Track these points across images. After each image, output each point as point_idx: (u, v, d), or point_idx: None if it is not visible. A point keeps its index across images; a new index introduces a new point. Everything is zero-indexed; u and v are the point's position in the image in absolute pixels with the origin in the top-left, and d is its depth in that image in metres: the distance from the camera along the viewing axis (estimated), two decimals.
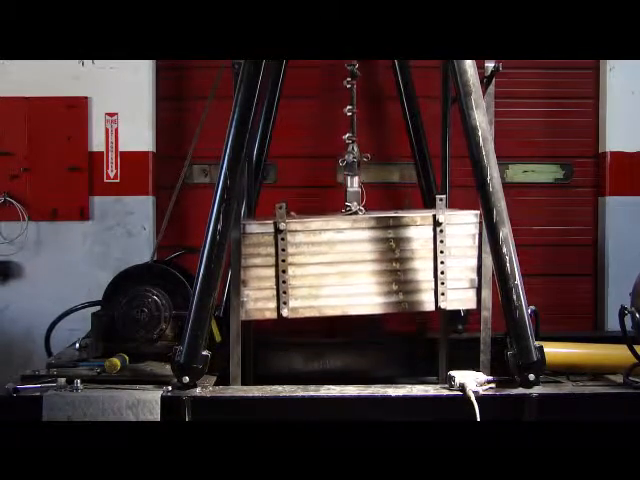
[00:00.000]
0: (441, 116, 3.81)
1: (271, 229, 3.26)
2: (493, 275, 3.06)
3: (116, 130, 4.68)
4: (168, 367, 3.02)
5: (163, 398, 2.81)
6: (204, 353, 2.96)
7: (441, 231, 3.30)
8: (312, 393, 2.91)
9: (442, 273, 3.28)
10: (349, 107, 3.50)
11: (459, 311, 4.30)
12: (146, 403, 2.77)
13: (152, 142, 4.77)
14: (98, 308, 3.49)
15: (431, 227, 3.31)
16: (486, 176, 2.91)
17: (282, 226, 3.24)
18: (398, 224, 3.31)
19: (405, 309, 3.33)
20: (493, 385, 2.92)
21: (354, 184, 3.49)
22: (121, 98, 4.68)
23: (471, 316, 4.23)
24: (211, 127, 3.96)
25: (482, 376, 2.94)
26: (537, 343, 2.90)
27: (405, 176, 4.90)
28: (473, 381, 2.86)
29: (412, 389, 2.98)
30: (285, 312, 3.26)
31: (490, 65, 3.21)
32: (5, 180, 4.63)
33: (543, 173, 5.01)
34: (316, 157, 4.85)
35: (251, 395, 2.92)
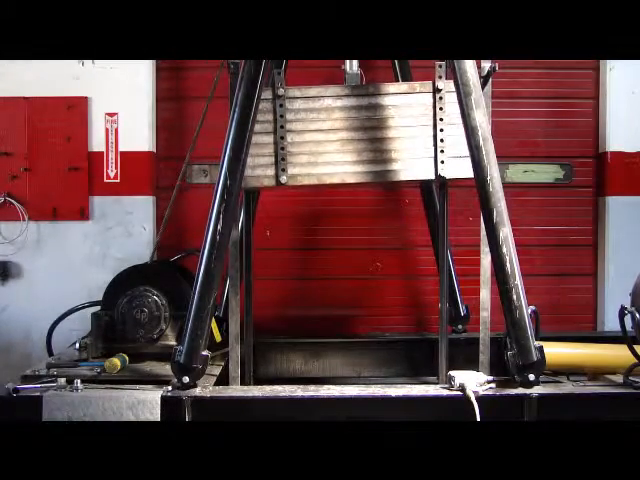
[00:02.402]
0: None
1: (269, 95, 3.22)
2: (493, 275, 3.06)
3: (116, 130, 4.68)
4: (168, 367, 3.01)
5: (163, 398, 2.81)
6: (204, 353, 2.95)
7: (440, 98, 3.25)
8: (312, 393, 2.90)
9: (442, 141, 3.24)
10: None
11: (459, 311, 4.31)
12: (146, 403, 2.77)
13: (152, 142, 4.77)
14: (98, 308, 3.49)
15: (431, 94, 3.27)
16: (486, 176, 2.90)
17: (281, 92, 3.20)
18: (397, 91, 3.27)
19: (404, 177, 3.28)
20: (493, 385, 2.91)
21: (353, 67, 3.44)
22: (121, 98, 4.68)
23: (471, 316, 4.24)
24: (211, 127, 3.95)
25: (482, 376, 2.93)
26: (537, 343, 2.90)
27: None
28: (473, 381, 2.85)
29: (412, 389, 2.98)
30: (284, 179, 3.22)
31: (486, 65, 3.21)
32: (5, 180, 4.64)
33: (543, 173, 4.99)
34: None
35: (251, 395, 2.92)
